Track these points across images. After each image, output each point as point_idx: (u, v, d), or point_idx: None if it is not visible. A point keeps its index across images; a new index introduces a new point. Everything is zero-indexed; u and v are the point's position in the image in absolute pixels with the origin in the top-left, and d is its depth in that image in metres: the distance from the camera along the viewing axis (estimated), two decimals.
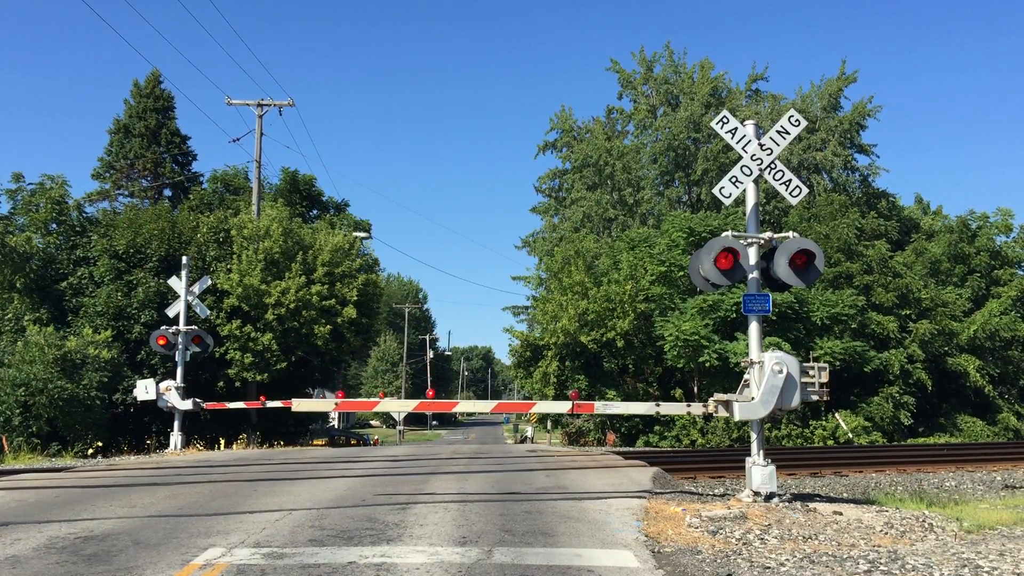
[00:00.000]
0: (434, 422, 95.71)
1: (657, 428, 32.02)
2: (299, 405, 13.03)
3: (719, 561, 7.64)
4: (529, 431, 58.23)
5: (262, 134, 34.40)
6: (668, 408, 13.26)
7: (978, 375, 36.92)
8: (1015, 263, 44.54)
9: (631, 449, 27.80)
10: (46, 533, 8.75)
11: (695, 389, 32.76)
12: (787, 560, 7.70)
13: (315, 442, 39.10)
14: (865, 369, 33.29)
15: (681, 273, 32.46)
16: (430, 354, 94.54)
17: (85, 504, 11.02)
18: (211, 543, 8.11)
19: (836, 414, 32.92)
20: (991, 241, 43.79)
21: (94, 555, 7.63)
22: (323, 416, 56.46)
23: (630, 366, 34.20)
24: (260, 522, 9.32)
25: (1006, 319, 38.46)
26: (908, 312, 37.18)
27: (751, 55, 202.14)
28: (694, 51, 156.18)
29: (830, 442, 31.55)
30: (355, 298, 31.51)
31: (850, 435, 32.05)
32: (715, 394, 12.13)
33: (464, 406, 14.10)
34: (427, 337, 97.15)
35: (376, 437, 58.69)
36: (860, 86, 72.82)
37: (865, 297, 35.48)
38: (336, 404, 13.44)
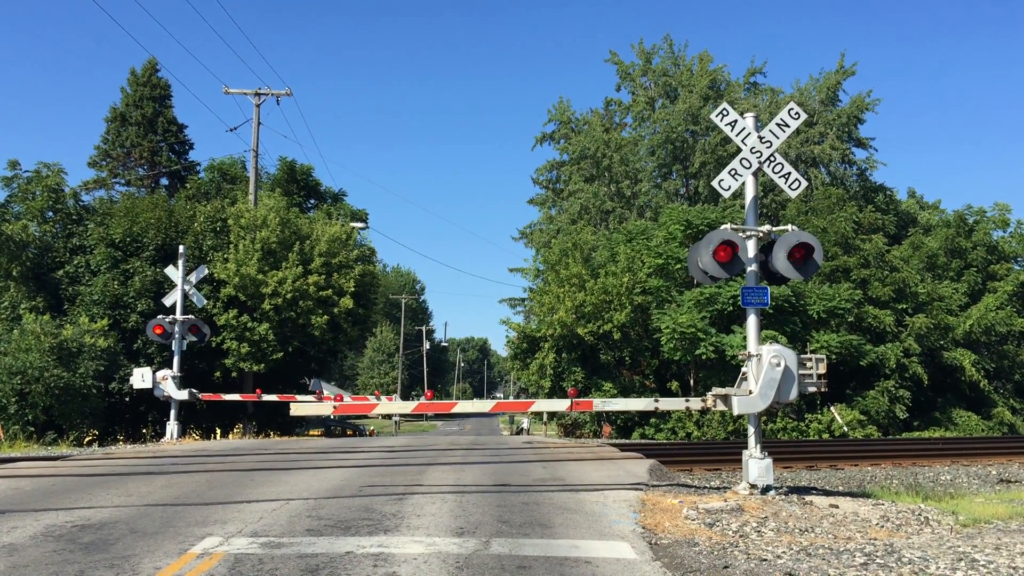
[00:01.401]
0: (430, 413, 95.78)
1: (653, 420, 32.07)
2: (297, 409, 13.22)
3: (716, 553, 7.65)
4: (525, 423, 58.25)
5: (259, 123, 34.29)
6: (667, 404, 13.22)
7: (974, 369, 37.00)
8: (1012, 258, 44.62)
9: (627, 441, 27.85)
10: (43, 521, 8.74)
11: (691, 382, 32.81)
12: (784, 552, 7.71)
13: (311, 432, 39.12)
14: (861, 363, 33.36)
15: (678, 266, 32.46)
16: (426, 345, 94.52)
17: (82, 493, 11.00)
18: (208, 532, 8.10)
19: (832, 408, 32.99)
20: (988, 236, 43.86)
21: (91, 543, 7.62)
22: None
23: (627, 358, 34.24)
24: (257, 512, 9.31)
25: (1002, 314, 38.53)
26: (905, 306, 37.24)
27: (750, 49, 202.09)
28: (694, 44, 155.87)
29: (825, 436, 31.63)
30: (352, 289, 31.50)
31: (845, 429, 32.12)
32: (713, 387, 12.12)
33: (463, 407, 14.12)
34: (423, 328, 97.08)
35: (372, 428, 58.66)
36: (858, 80, 72.88)
37: (862, 291, 35.53)
38: (334, 408, 13.42)
